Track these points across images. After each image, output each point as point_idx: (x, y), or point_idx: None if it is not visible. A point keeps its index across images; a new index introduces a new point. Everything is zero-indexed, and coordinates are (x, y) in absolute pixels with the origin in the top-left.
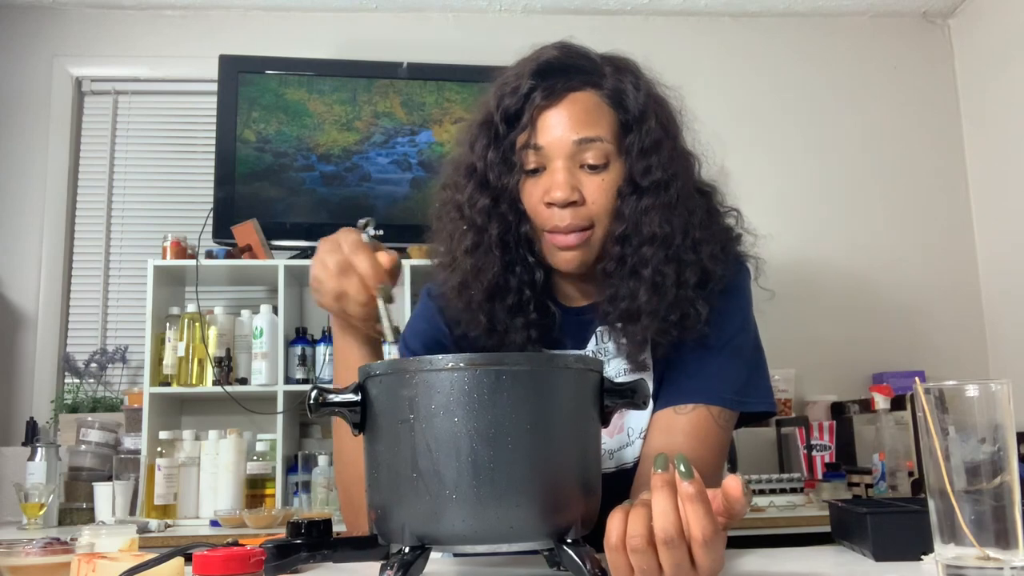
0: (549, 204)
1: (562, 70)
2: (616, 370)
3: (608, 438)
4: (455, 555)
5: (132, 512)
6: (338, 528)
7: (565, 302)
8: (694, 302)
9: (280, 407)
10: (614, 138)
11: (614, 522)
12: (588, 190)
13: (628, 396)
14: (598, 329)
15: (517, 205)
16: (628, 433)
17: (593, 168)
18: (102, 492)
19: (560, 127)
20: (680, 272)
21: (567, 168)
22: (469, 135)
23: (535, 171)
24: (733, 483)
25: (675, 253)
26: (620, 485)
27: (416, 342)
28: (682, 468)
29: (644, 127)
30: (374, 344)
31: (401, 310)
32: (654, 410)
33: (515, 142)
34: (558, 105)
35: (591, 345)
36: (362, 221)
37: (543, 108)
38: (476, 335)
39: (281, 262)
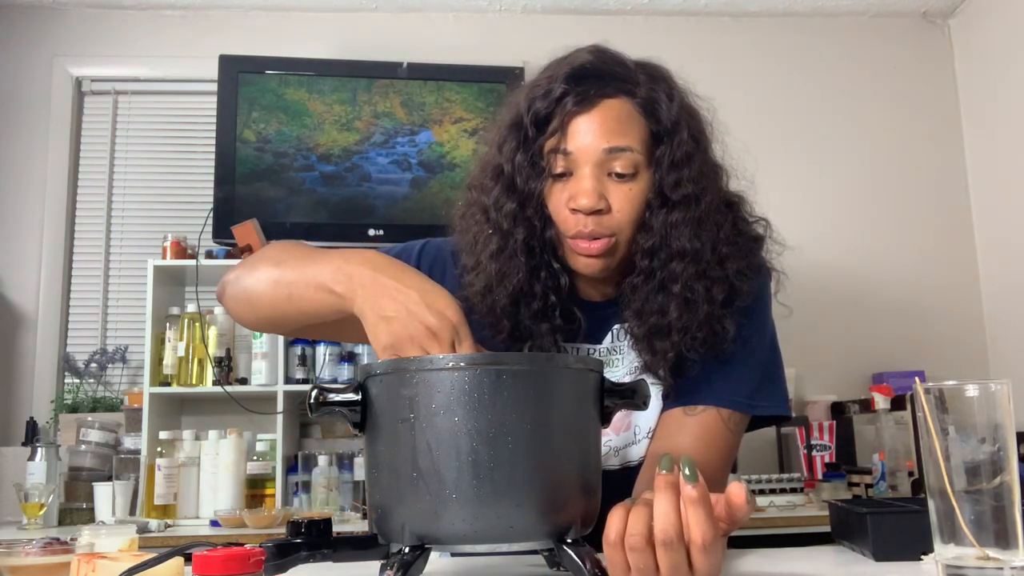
0: (574, 210)
1: (596, 76)
2: (627, 369)
3: (614, 435)
4: (453, 555)
5: (132, 512)
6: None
7: (582, 296)
8: (722, 320)
9: (280, 407)
10: (644, 148)
11: (614, 519)
12: (614, 199)
13: (628, 396)
14: (614, 327)
15: (543, 210)
16: (635, 431)
17: (621, 177)
18: (102, 492)
19: (591, 134)
20: (709, 288)
21: (595, 175)
22: (498, 136)
23: (562, 175)
24: (737, 490)
25: (704, 269)
26: (624, 483)
27: None
28: (687, 471)
29: (676, 139)
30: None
31: None
32: (663, 409)
33: (544, 146)
34: (590, 112)
35: (607, 342)
36: None
37: (575, 114)
38: (503, 339)
39: None
